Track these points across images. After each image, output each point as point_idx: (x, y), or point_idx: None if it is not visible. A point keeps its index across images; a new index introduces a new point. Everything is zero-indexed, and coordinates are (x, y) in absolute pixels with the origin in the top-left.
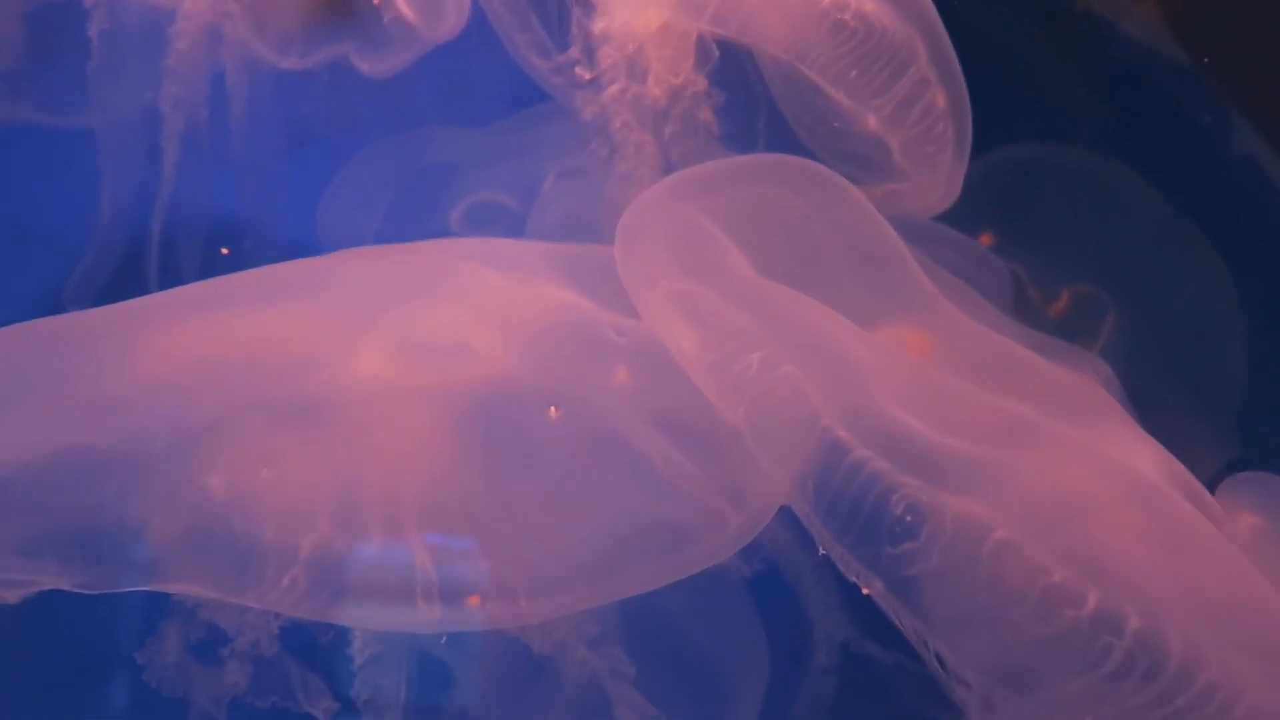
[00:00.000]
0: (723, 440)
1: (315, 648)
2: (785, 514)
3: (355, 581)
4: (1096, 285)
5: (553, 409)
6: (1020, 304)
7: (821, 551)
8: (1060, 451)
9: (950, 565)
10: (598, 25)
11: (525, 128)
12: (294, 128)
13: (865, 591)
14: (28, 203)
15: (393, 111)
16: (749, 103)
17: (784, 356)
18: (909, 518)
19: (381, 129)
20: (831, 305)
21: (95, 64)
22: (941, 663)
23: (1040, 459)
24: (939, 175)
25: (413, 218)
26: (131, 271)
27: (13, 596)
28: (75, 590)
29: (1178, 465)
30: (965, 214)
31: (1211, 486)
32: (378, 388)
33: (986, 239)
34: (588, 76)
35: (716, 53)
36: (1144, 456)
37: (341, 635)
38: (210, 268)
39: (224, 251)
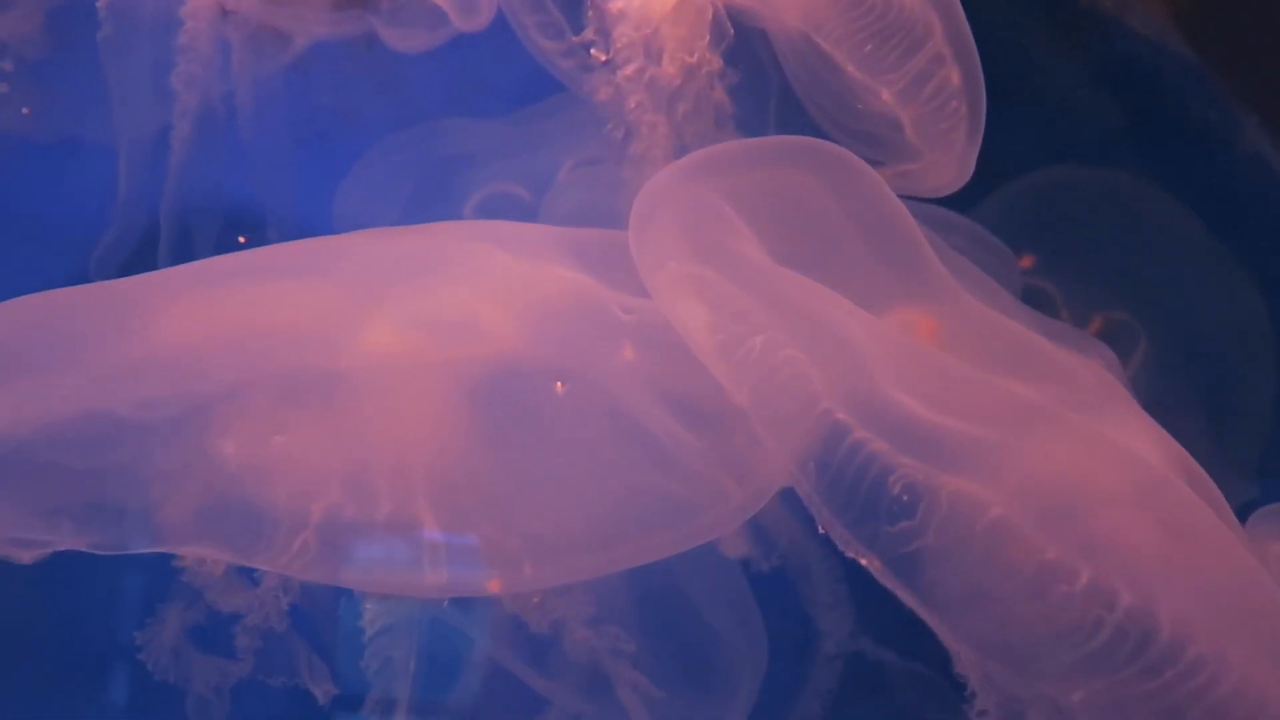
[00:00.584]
0: (727, 417)
1: (324, 642)
2: (798, 511)
3: (364, 546)
4: (1129, 312)
5: (559, 384)
6: None
7: (821, 530)
8: (1061, 434)
9: (946, 543)
10: (615, 4)
11: (540, 118)
12: (304, 118)
13: (864, 562)
14: (41, 198)
15: (401, 105)
16: (760, 83)
17: (787, 340)
18: (906, 497)
19: (389, 121)
20: (843, 287)
21: (106, 41)
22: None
23: (1041, 441)
24: (952, 154)
25: (428, 208)
26: (148, 257)
27: (28, 556)
28: (90, 550)
29: (1179, 449)
30: (1002, 235)
31: (1241, 516)
32: (388, 362)
33: (1027, 261)
34: (603, 58)
35: (732, 30)
36: (1147, 440)
37: (347, 635)
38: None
39: (241, 240)
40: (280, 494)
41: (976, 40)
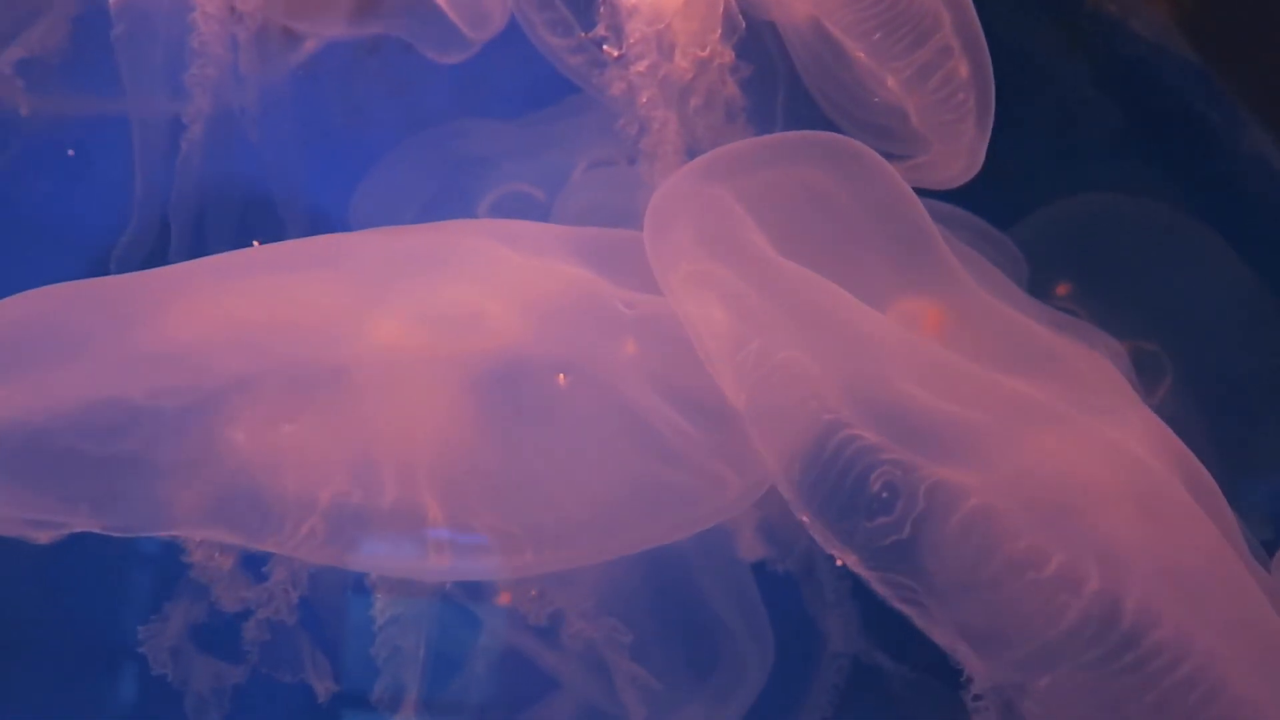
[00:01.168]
0: (727, 409)
1: (332, 639)
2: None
3: (369, 531)
4: (1158, 343)
5: (561, 376)
6: None
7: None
8: (1055, 427)
9: (922, 538)
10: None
11: (555, 120)
12: (313, 120)
13: (840, 560)
14: (58, 199)
15: (408, 107)
16: (769, 76)
17: (784, 344)
18: (885, 494)
19: (397, 123)
20: (854, 277)
21: (119, 41)
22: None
23: (1034, 433)
24: (960, 146)
25: (445, 209)
26: (167, 256)
27: (45, 537)
28: (104, 533)
29: (1176, 441)
30: (1035, 259)
31: (1264, 556)
32: (394, 356)
33: (1064, 288)
34: (615, 53)
35: (743, 24)
36: (1147, 433)
37: (357, 631)
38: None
39: (255, 244)
40: (288, 481)
41: None
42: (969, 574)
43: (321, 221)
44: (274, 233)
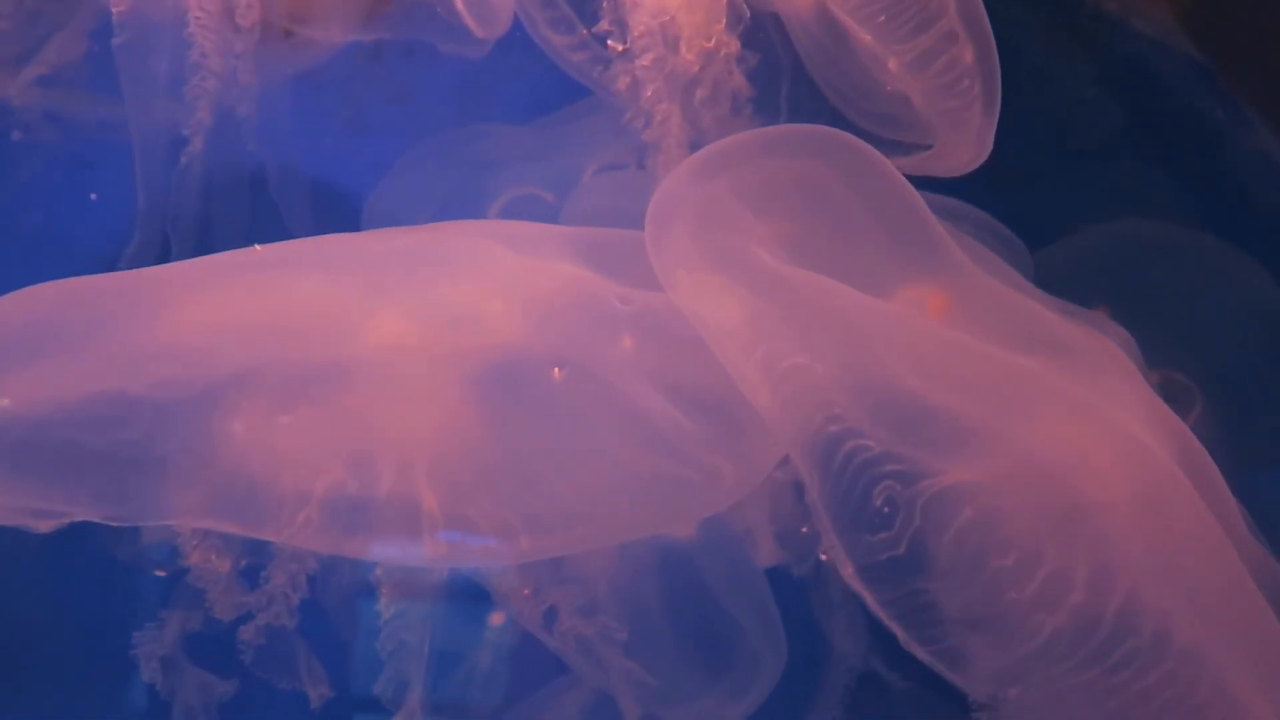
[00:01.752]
0: (722, 401)
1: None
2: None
3: (366, 519)
4: (1186, 374)
5: (556, 371)
6: None
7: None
8: (1062, 406)
9: (916, 553)
10: None
11: (567, 123)
12: (315, 129)
13: (840, 569)
14: (63, 210)
15: (410, 114)
16: (774, 68)
17: (788, 350)
18: (886, 509)
19: (399, 131)
20: (855, 267)
21: (122, 50)
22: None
23: (1042, 414)
24: (967, 133)
25: (457, 213)
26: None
27: (46, 526)
28: (104, 522)
29: (1182, 427)
30: (1070, 284)
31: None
32: (392, 352)
33: (1102, 311)
34: (620, 48)
35: (748, 13)
36: (1152, 417)
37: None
38: None
39: (257, 249)
40: (285, 471)
41: None
42: (960, 587)
43: (326, 228)
44: (277, 241)
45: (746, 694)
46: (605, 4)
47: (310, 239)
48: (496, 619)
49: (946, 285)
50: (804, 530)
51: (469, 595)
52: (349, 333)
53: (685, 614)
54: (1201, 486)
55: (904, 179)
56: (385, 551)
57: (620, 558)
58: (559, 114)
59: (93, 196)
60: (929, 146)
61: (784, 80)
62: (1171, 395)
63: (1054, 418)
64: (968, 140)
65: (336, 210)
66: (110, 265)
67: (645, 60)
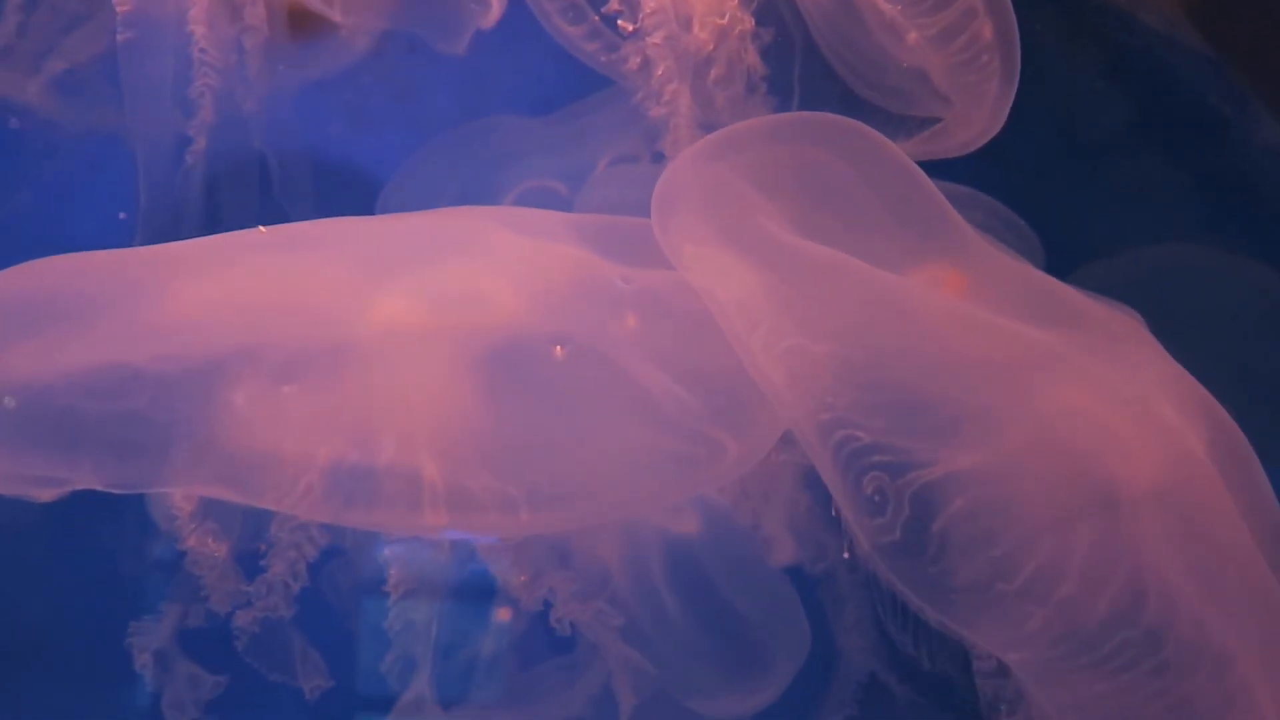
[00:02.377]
0: (726, 376)
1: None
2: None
3: (366, 488)
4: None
5: (558, 348)
6: None
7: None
8: (1078, 377)
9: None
10: None
11: (582, 115)
12: (319, 125)
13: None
14: (68, 208)
15: (415, 111)
16: (785, 45)
17: (792, 328)
18: (876, 498)
19: (404, 127)
20: (865, 250)
21: (126, 48)
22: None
23: (1056, 387)
24: (983, 108)
25: (471, 204)
26: None
27: (47, 495)
28: (105, 489)
29: (1205, 394)
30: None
31: None
32: (395, 328)
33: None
34: (630, 27)
35: None
36: (1172, 385)
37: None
38: None
39: (261, 230)
40: (287, 441)
41: None
42: (964, 569)
43: None
44: None
45: (757, 689)
46: None
47: (313, 222)
48: (503, 614)
49: (961, 264)
50: (818, 529)
51: (475, 591)
52: (352, 310)
53: (692, 606)
54: (1232, 464)
55: (912, 162)
56: (386, 521)
57: (624, 555)
58: (573, 107)
59: (121, 216)
60: (939, 121)
61: (796, 57)
62: None
63: (1069, 393)
64: (983, 113)
65: (342, 207)
66: None
67: (656, 38)
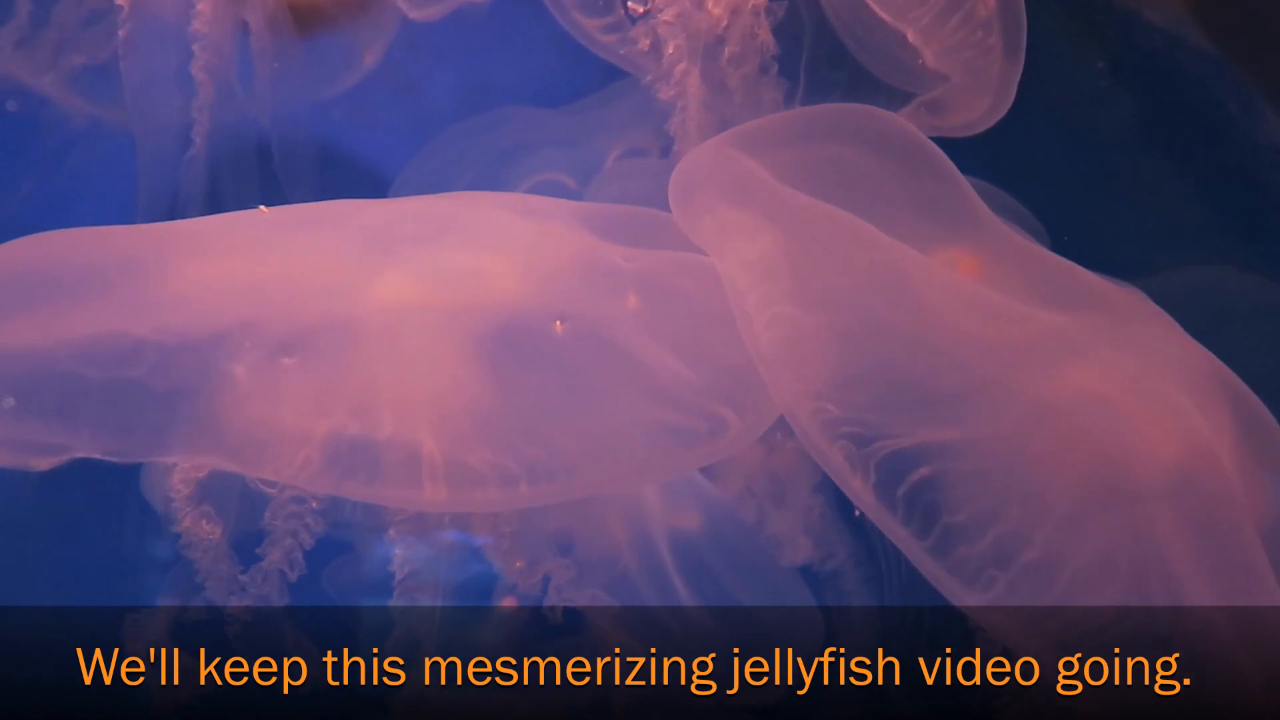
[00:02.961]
0: (727, 354)
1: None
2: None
3: (366, 462)
4: None
5: (558, 323)
6: None
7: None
8: (1093, 359)
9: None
10: None
11: (592, 108)
12: (322, 119)
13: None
14: (67, 196)
15: (414, 106)
16: (795, 23)
17: (779, 299)
18: (848, 463)
19: (405, 122)
20: (888, 231)
21: (127, 40)
22: None
23: (1068, 367)
24: (989, 85)
25: None
26: None
27: (45, 464)
28: (104, 458)
29: (1226, 371)
30: None
31: None
32: (397, 304)
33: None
34: (641, 10)
35: None
36: (1192, 362)
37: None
38: None
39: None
40: (286, 413)
41: None
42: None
43: None
44: None
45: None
46: None
47: (316, 204)
48: (508, 602)
49: (978, 245)
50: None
51: (475, 591)
52: (355, 286)
53: (700, 596)
54: (1254, 438)
55: (933, 144)
56: (385, 495)
57: (628, 549)
58: (584, 100)
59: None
60: (949, 99)
61: (805, 36)
62: None
63: (1080, 377)
64: (988, 91)
65: (345, 196)
66: None
67: (668, 15)
